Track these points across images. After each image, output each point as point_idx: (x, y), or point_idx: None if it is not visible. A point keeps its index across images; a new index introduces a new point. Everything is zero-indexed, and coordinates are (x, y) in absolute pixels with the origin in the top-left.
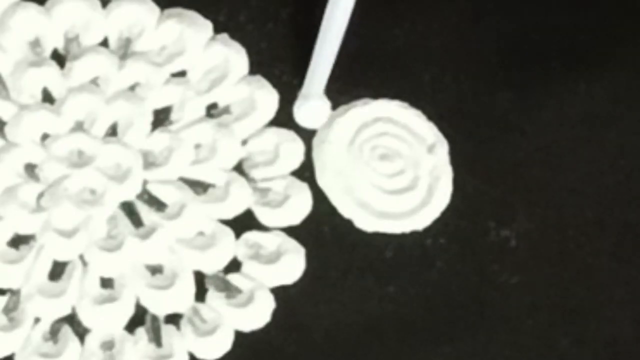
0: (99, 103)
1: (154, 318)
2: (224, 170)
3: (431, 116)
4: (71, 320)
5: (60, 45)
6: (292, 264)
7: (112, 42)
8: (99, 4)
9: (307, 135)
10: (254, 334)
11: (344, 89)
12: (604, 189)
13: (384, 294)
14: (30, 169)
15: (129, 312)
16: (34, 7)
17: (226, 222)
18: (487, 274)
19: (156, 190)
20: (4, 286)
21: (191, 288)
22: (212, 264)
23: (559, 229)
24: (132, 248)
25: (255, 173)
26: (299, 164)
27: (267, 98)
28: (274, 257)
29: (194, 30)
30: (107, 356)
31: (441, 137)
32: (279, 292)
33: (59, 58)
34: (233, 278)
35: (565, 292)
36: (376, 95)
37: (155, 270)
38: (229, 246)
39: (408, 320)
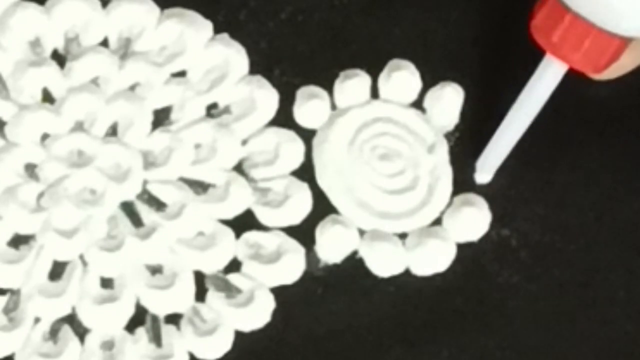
0: (99, 103)
1: (154, 318)
2: (224, 170)
3: None
4: (71, 320)
5: (60, 45)
6: (292, 264)
7: (112, 42)
8: (99, 4)
9: (307, 135)
10: (254, 334)
11: None
12: (604, 189)
13: (384, 294)
14: (30, 169)
15: (129, 312)
16: (34, 7)
17: (226, 222)
18: (487, 274)
19: (156, 190)
20: (4, 286)
21: (191, 288)
22: (212, 264)
23: (559, 228)
24: (132, 248)
25: (255, 173)
26: (299, 164)
27: (267, 98)
28: (274, 257)
29: (194, 30)
30: (107, 356)
31: (441, 137)
32: (279, 292)
33: (59, 58)
34: (233, 278)
35: (565, 292)
36: None
37: (155, 270)
38: (229, 246)
39: (408, 320)
